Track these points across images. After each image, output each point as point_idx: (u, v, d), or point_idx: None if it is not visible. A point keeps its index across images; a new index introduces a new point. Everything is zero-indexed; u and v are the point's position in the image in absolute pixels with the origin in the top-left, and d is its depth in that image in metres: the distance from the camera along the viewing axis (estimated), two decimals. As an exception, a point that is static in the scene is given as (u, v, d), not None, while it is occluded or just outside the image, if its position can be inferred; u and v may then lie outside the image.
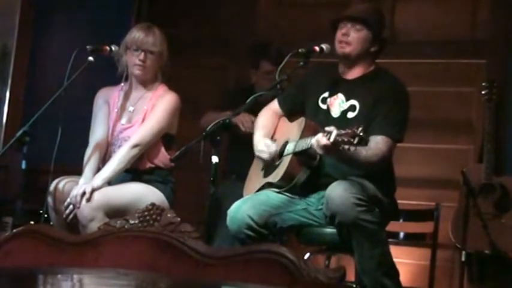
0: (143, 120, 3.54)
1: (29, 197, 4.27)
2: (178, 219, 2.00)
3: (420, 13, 4.83)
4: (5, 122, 4.97)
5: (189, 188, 4.36)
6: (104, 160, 3.55)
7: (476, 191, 4.00)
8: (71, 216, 3.34)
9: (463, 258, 3.97)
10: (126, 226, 2.02)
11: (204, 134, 3.05)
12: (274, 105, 3.45)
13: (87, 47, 3.47)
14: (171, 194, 3.56)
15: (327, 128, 2.86)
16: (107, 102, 3.65)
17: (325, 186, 3.06)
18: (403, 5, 4.89)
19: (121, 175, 3.46)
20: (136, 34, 3.54)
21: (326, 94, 3.27)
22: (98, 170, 3.48)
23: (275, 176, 3.24)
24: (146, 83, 3.61)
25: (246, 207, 3.12)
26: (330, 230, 3.14)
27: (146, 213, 2.02)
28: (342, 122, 3.06)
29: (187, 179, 4.11)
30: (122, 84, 3.65)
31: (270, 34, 4.89)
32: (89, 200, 3.28)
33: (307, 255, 3.26)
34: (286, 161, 3.21)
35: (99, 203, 3.29)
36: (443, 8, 4.78)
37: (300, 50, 3.23)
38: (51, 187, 3.44)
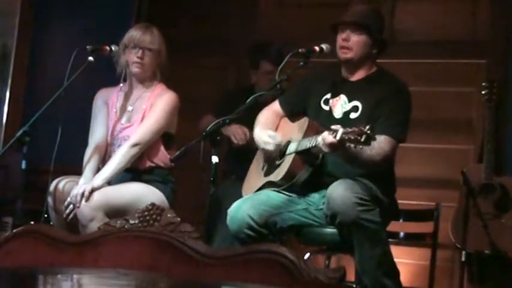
0: (142, 119, 3.54)
1: (29, 197, 4.26)
2: (178, 219, 2.00)
3: (420, 13, 4.83)
4: (5, 122, 4.97)
5: (189, 188, 4.36)
6: (103, 160, 3.55)
7: (476, 191, 4.00)
8: (71, 216, 3.34)
9: (463, 258, 3.96)
10: (126, 226, 2.02)
11: (204, 134, 3.05)
12: (276, 106, 3.45)
13: (87, 47, 3.48)
14: (171, 193, 3.56)
15: (333, 127, 2.87)
16: (105, 103, 3.65)
17: (327, 185, 3.07)
18: (403, 5, 4.89)
19: (121, 175, 3.46)
20: (134, 33, 3.56)
21: (328, 95, 3.29)
22: (98, 170, 3.48)
23: (277, 175, 3.25)
24: (145, 82, 3.61)
25: (246, 207, 3.12)
26: (330, 230, 3.15)
27: (146, 213, 2.02)
28: (344, 122, 3.06)
29: (187, 179, 4.11)
30: (121, 84, 3.66)
31: (270, 34, 4.89)
32: (88, 199, 3.28)
33: (307, 255, 3.26)
34: (288, 160, 3.21)
35: (99, 203, 3.29)
36: (443, 8, 4.78)
37: (300, 50, 3.24)
38: (51, 187, 3.44)
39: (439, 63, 4.76)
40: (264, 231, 3.10)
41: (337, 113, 3.23)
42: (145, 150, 3.50)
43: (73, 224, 3.33)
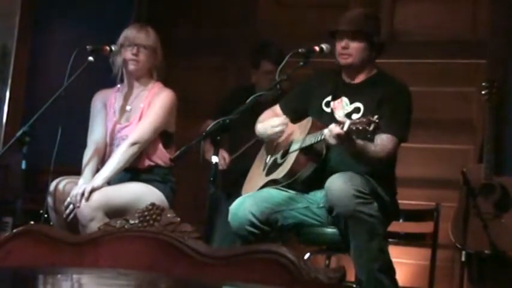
0: (140, 118, 3.54)
1: (29, 197, 4.26)
2: (178, 219, 1.99)
3: (420, 13, 4.83)
4: (5, 122, 4.98)
5: (189, 187, 4.36)
6: (102, 161, 3.55)
7: (476, 191, 4.00)
8: (71, 216, 3.34)
9: (463, 258, 3.97)
10: (126, 226, 2.02)
11: (204, 134, 3.05)
12: (276, 110, 3.47)
13: (87, 47, 3.48)
14: (171, 193, 3.56)
15: (339, 119, 2.88)
16: (104, 104, 3.66)
17: None
18: (403, 5, 4.89)
19: (120, 174, 3.46)
20: (128, 32, 3.60)
21: (329, 98, 3.31)
22: (97, 171, 3.48)
23: (279, 173, 3.25)
24: (141, 81, 3.61)
25: (248, 204, 3.12)
26: (330, 230, 3.15)
27: (146, 213, 2.02)
28: None
29: (187, 178, 4.11)
30: (118, 85, 3.66)
31: (270, 34, 4.89)
32: (88, 199, 3.28)
33: (307, 255, 3.26)
34: (291, 158, 3.22)
35: (98, 203, 3.29)
36: (443, 8, 4.78)
37: (300, 50, 3.24)
38: (51, 187, 3.44)
39: (439, 63, 4.76)
40: (266, 228, 3.10)
41: (339, 115, 3.23)
42: (144, 149, 3.50)
43: (73, 224, 3.33)
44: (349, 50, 3.23)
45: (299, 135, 3.25)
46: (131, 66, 3.56)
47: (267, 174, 3.36)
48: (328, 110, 3.29)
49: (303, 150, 3.18)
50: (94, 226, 3.06)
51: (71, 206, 3.33)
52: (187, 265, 1.91)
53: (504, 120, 4.35)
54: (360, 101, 3.22)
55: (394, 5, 4.89)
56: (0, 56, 5.00)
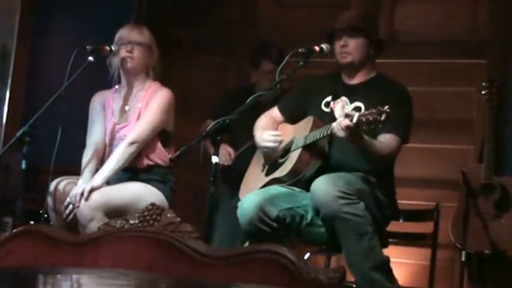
0: (138, 117, 3.55)
1: (29, 197, 4.26)
2: (178, 219, 2.00)
3: (420, 13, 4.83)
4: (5, 122, 4.98)
5: (189, 187, 4.36)
6: (102, 162, 3.55)
7: (476, 191, 4.00)
8: (70, 216, 3.34)
9: (463, 258, 3.97)
10: (126, 226, 2.02)
11: (204, 134, 3.05)
12: (274, 112, 3.49)
13: (87, 47, 3.48)
14: (171, 193, 3.56)
15: (348, 112, 2.89)
16: (102, 105, 3.67)
17: None
18: (403, 5, 4.89)
19: (119, 174, 3.46)
20: (122, 31, 3.62)
21: (329, 98, 3.32)
22: (96, 171, 3.48)
23: (281, 171, 3.24)
24: (138, 81, 3.62)
25: (257, 201, 3.10)
26: (330, 230, 3.14)
27: (146, 213, 2.02)
28: None
29: (187, 178, 4.11)
30: (116, 86, 3.67)
31: (270, 34, 4.89)
32: (87, 199, 3.28)
33: (307, 255, 3.26)
34: (294, 156, 3.21)
35: (98, 203, 3.29)
36: (443, 8, 4.78)
37: (300, 50, 3.25)
38: (51, 187, 3.44)
39: (439, 63, 4.75)
40: (275, 225, 3.08)
41: (339, 115, 3.23)
42: (143, 148, 3.51)
43: (73, 224, 3.33)
44: (348, 48, 3.24)
45: (302, 131, 3.25)
46: (127, 64, 3.57)
47: (267, 174, 3.35)
48: (327, 110, 3.30)
49: (306, 148, 3.18)
50: (94, 226, 3.06)
51: (71, 206, 3.33)
52: (187, 265, 1.91)
53: (504, 120, 4.35)
54: (360, 101, 3.22)
55: (394, 5, 4.89)
56: (0, 56, 5.00)
